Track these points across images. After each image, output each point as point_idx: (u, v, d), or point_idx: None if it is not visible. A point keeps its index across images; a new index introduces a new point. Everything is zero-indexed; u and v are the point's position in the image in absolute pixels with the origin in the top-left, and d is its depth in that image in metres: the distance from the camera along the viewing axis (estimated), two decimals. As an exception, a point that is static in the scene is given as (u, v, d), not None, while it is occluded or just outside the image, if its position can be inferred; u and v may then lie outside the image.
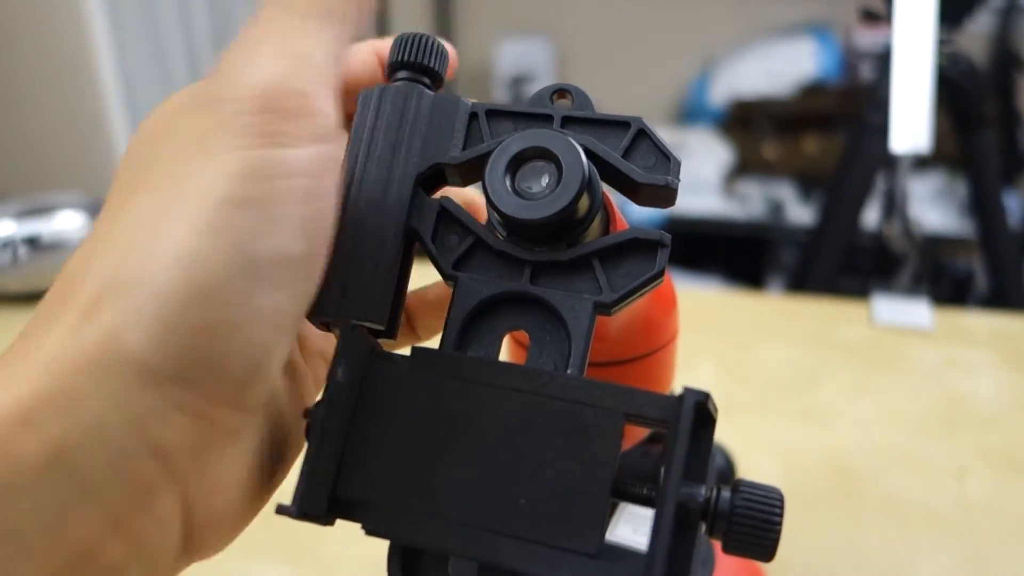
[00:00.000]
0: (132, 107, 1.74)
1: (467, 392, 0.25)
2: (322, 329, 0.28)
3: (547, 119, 0.28)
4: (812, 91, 2.26)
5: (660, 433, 0.45)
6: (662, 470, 0.23)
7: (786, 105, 2.25)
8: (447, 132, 0.29)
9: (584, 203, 0.26)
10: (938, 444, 0.71)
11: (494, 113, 0.29)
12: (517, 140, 0.26)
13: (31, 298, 0.96)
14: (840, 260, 1.35)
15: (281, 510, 0.23)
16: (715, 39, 2.40)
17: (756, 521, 0.23)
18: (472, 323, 0.27)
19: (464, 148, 0.28)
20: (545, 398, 0.24)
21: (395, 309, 0.28)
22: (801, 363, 0.82)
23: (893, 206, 0.98)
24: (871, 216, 1.52)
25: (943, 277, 1.52)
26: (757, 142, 2.20)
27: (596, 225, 0.28)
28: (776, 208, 2.08)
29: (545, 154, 0.26)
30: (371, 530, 0.24)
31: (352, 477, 0.24)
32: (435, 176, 0.29)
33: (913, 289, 0.90)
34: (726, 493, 0.23)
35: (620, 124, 0.28)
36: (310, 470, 0.23)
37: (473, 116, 0.29)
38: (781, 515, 0.23)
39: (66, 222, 1.05)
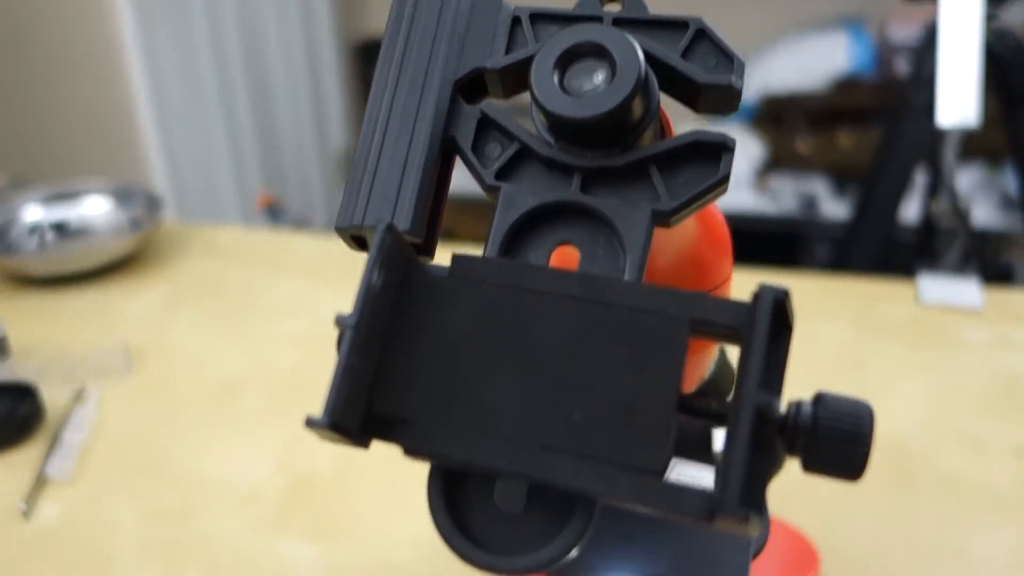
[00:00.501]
0: (158, 95, 1.74)
1: (516, 300, 0.22)
2: (353, 247, 0.26)
3: (596, 21, 0.26)
4: (845, 85, 2.22)
5: (708, 389, 0.42)
6: (736, 383, 0.20)
7: (819, 100, 2.21)
8: (488, 37, 0.26)
9: (639, 105, 0.24)
10: (993, 422, 0.68)
11: (539, 17, 0.27)
12: (567, 35, 0.24)
13: (58, 282, 0.95)
14: (879, 253, 1.31)
15: (311, 422, 0.20)
16: (747, 33, 2.37)
17: (844, 435, 0.20)
18: (516, 238, 0.25)
19: (506, 53, 0.26)
20: (602, 305, 0.22)
21: (432, 223, 0.26)
22: (847, 342, 0.79)
23: (939, 183, 0.95)
24: (910, 210, 1.49)
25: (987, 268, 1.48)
26: (790, 137, 2.16)
27: (650, 135, 0.26)
28: (809, 203, 2.04)
29: (597, 50, 0.24)
30: (410, 449, 0.22)
31: (388, 393, 0.22)
32: (475, 83, 0.26)
33: (961, 268, 0.86)
34: (807, 406, 0.21)
35: (678, 24, 0.26)
36: (341, 380, 0.21)
37: (516, 20, 0.27)
38: (872, 429, 0.21)
39: (93, 208, 1.04)
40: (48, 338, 0.86)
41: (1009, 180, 1.86)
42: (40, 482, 0.65)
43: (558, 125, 0.24)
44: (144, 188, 1.12)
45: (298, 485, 0.65)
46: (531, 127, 0.26)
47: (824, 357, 0.77)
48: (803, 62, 2.31)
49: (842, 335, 0.81)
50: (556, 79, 0.24)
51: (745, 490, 0.19)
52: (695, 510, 0.20)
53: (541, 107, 0.24)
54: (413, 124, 0.25)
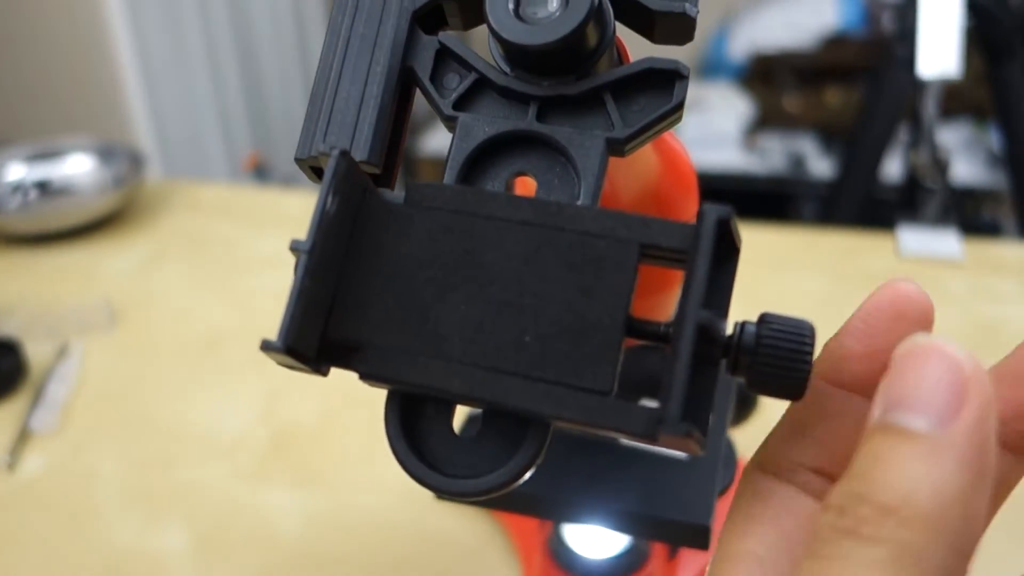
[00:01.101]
0: (143, 52, 1.72)
1: (470, 226, 0.23)
2: (314, 179, 0.26)
3: None
4: (834, 43, 2.21)
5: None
6: (679, 302, 0.21)
7: (808, 58, 2.20)
8: None
9: (593, 32, 0.24)
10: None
11: None
12: None
13: (41, 240, 0.95)
14: (861, 209, 1.31)
15: (266, 346, 0.21)
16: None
17: (785, 352, 0.21)
18: (473, 167, 0.25)
19: None
20: (553, 230, 0.22)
21: (391, 154, 0.26)
22: (827, 294, 0.80)
23: (920, 134, 0.95)
24: (892, 168, 1.49)
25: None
26: (778, 95, 2.15)
27: (606, 64, 0.26)
28: (797, 162, 2.04)
29: None
30: (366, 373, 0.22)
31: (344, 318, 0.23)
32: (434, 13, 0.26)
33: (941, 220, 0.87)
34: (751, 326, 0.21)
35: None
36: (296, 304, 0.21)
37: None
38: (812, 347, 0.21)
39: (76, 166, 1.04)
40: (31, 295, 0.86)
41: (996, 137, 1.86)
42: (24, 435, 0.66)
43: (513, 53, 0.24)
44: (127, 145, 1.11)
45: (280, 435, 0.66)
46: (489, 57, 0.26)
47: (803, 309, 0.77)
48: (792, 19, 2.30)
49: (822, 287, 0.81)
50: (511, 6, 0.24)
51: (686, 407, 0.19)
52: (640, 428, 0.20)
53: (495, 34, 0.24)
54: (371, 54, 0.25)
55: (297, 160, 0.25)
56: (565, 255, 0.22)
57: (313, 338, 0.22)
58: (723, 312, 0.21)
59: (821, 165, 2.02)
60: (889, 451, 0.15)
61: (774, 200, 2.09)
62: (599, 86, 0.25)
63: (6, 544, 0.58)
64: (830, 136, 2.09)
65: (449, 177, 0.25)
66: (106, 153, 1.05)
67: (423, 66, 0.26)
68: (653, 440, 0.20)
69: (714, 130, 2.10)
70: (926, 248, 0.84)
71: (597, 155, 0.24)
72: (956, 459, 0.15)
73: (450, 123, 0.25)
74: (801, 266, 0.85)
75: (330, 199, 0.22)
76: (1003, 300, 0.78)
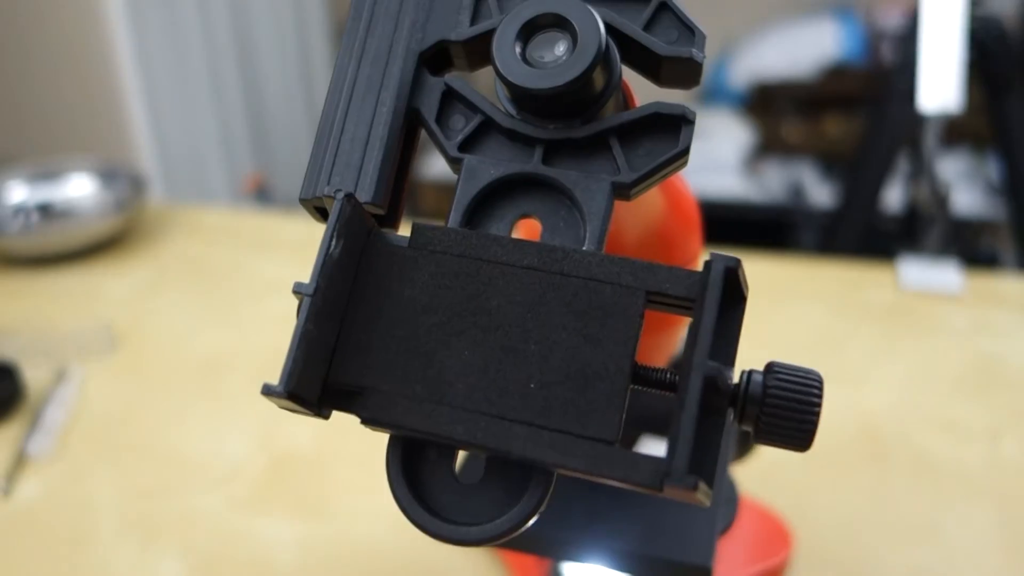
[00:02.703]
0: (146, 74, 1.73)
1: (475, 270, 0.23)
2: (318, 219, 0.26)
3: None
4: (835, 73, 2.22)
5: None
6: (685, 351, 0.21)
7: (808, 87, 2.21)
8: (453, 8, 0.26)
9: (600, 76, 0.24)
10: (970, 406, 0.68)
11: None
12: (530, 6, 0.24)
13: (41, 262, 0.95)
14: (862, 238, 1.31)
15: (268, 390, 0.21)
16: (735, 20, 2.36)
17: (792, 403, 0.21)
18: (479, 209, 0.25)
19: (471, 25, 0.26)
20: (559, 276, 0.22)
21: (395, 195, 0.26)
22: (826, 326, 0.80)
23: (921, 166, 0.95)
24: (892, 197, 1.49)
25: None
26: (778, 123, 2.16)
27: (612, 107, 0.26)
28: (797, 191, 2.04)
29: (559, 21, 0.24)
30: (368, 418, 0.22)
31: (347, 362, 0.22)
32: (440, 55, 0.27)
33: (941, 252, 0.87)
34: (758, 375, 0.21)
35: None
36: (298, 348, 0.21)
37: None
38: (820, 398, 0.21)
39: (77, 189, 1.04)
40: (30, 318, 0.86)
41: (994, 167, 1.86)
42: (20, 460, 0.65)
43: (520, 96, 0.24)
44: (129, 168, 1.11)
45: (278, 464, 0.65)
46: (495, 99, 0.26)
47: (803, 340, 0.77)
48: (792, 49, 2.31)
49: (821, 318, 0.81)
50: (518, 50, 0.24)
51: (693, 459, 0.19)
52: (646, 479, 0.20)
53: (503, 78, 0.24)
54: (377, 95, 0.26)
55: (301, 201, 0.25)
56: (571, 301, 0.22)
57: (316, 382, 0.22)
58: (730, 361, 0.21)
59: (821, 193, 2.03)
60: None
61: (773, 228, 2.10)
62: (605, 130, 0.25)
63: (2, 570, 0.57)
64: (830, 165, 2.09)
65: (454, 219, 0.25)
66: (108, 175, 1.05)
67: (429, 108, 0.26)
68: (659, 492, 0.20)
69: (714, 157, 2.11)
70: (926, 281, 0.84)
71: (603, 199, 0.24)
72: None
73: (455, 164, 0.26)
74: (801, 297, 0.85)
75: (334, 242, 0.22)
76: (1003, 335, 0.78)
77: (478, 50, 0.26)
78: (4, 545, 0.59)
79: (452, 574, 0.56)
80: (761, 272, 0.90)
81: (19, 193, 1.02)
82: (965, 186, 1.94)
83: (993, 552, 0.55)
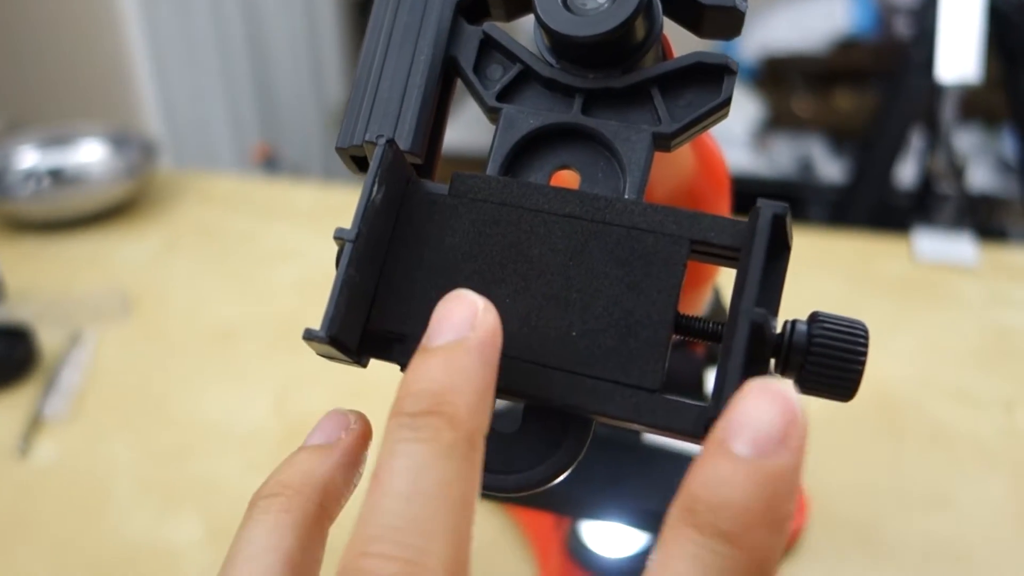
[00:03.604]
0: (154, 41, 1.72)
1: (515, 218, 0.22)
2: (354, 169, 0.26)
3: None
4: (845, 46, 2.20)
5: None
6: (732, 299, 0.21)
7: (818, 61, 2.20)
8: None
9: (642, 25, 0.24)
10: (985, 377, 0.68)
11: None
12: None
13: (53, 227, 0.95)
14: (874, 213, 1.31)
15: (309, 335, 0.20)
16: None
17: (837, 352, 0.20)
18: (516, 160, 0.25)
19: None
20: (601, 224, 0.22)
21: (432, 145, 0.25)
22: (841, 297, 0.80)
23: (937, 140, 0.94)
24: (906, 172, 1.48)
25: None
26: (788, 97, 2.15)
27: (652, 58, 0.25)
28: (806, 166, 2.03)
29: None
30: (406, 364, 0.22)
31: (387, 310, 0.22)
32: (477, 4, 0.26)
33: (956, 225, 0.86)
34: (802, 325, 0.21)
35: None
36: (340, 293, 0.21)
37: None
38: (866, 348, 0.21)
39: (88, 154, 1.04)
40: (44, 283, 0.86)
41: (1007, 144, 1.85)
42: (36, 422, 0.66)
43: (560, 44, 0.24)
44: (140, 134, 1.11)
45: (293, 429, 0.66)
46: (533, 48, 0.26)
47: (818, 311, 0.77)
48: (803, 22, 2.29)
49: (836, 290, 0.81)
50: None
51: None
52: (688, 427, 0.20)
53: (544, 25, 0.24)
54: (414, 44, 0.25)
55: (338, 149, 0.25)
56: (613, 250, 0.22)
57: (356, 329, 0.22)
58: (774, 310, 0.21)
59: (830, 168, 2.02)
60: (714, 467, 0.17)
61: (782, 202, 2.09)
62: (646, 80, 0.24)
63: (19, 531, 0.57)
64: (840, 139, 2.08)
65: (492, 168, 0.25)
66: (119, 141, 1.05)
67: (466, 56, 0.26)
68: (700, 440, 0.20)
69: (723, 131, 2.10)
70: (941, 253, 0.83)
71: (643, 150, 0.24)
72: (762, 484, 0.16)
73: (493, 114, 0.25)
74: (816, 269, 0.85)
75: (375, 188, 0.22)
76: (1018, 306, 0.78)
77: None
78: (22, 507, 0.59)
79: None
80: (775, 243, 0.89)
81: (30, 158, 1.02)
82: (977, 162, 1.93)
83: (1006, 520, 0.56)
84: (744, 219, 0.21)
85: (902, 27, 2.13)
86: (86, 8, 1.63)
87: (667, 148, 0.24)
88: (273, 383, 0.71)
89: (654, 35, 0.25)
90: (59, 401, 0.67)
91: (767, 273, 0.20)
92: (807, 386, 0.21)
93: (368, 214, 0.22)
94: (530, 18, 0.25)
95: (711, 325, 0.22)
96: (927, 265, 0.84)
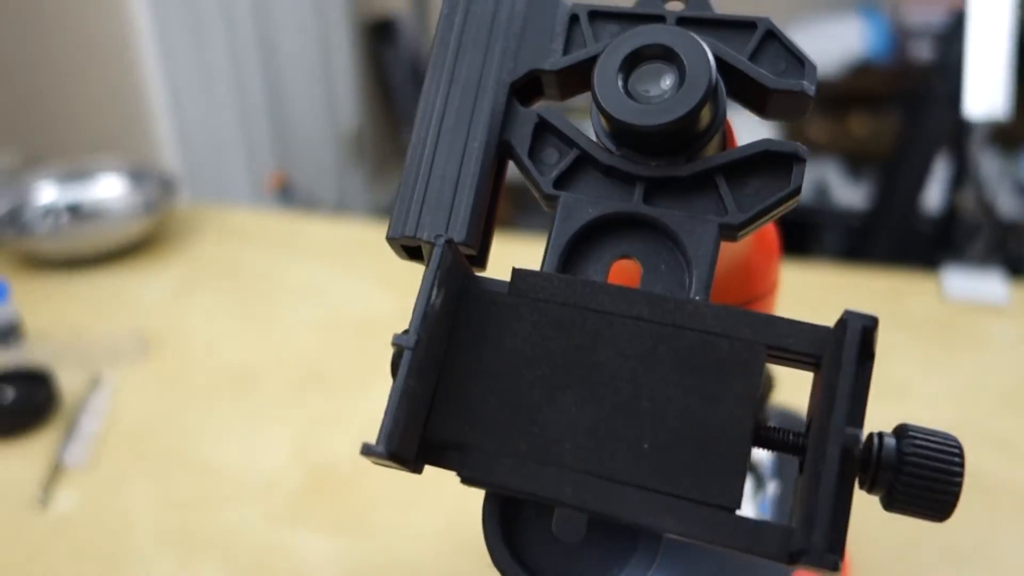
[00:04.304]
0: (170, 74, 1.73)
1: (580, 320, 0.21)
2: (404, 257, 0.25)
3: (659, 20, 0.25)
4: (860, 71, 2.20)
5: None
6: (817, 414, 0.19)
7: (833, 85, 2.19)
8: (545, 36, 0.25)
9: (708, 111, 0.23)
10: (1020, 421, 0.67)
11: (598, 15, 0.25)
12: (633, 36, 0.23)
13: (71, 264, 0.94)
14: (898, 242, 1.29)
15: (367, 450, 0.19)
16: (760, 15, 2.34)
17: (933, 472, 0.19)
18: (575, 250, 0.24)
19: (565, 54, 0.25)
20: (671, 328, 0.21)
21: (485, 233, 0.24)
22: (870, 338, 0.78)
23: (965, 175, 0.93)
24: (930, 198, 1.47)
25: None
26: (803, 122, 2.14)
27: (715, 145, 0.25)
28: (822, 191, 2.02)
29: (665, 53, 0.23)
30: (468, 477, 0.21)
31: (446, 417, 0.21)
32: (531, 85, 0.25)
33: (985, 261, 0.85)
34: (890, 439, 0.20)
35: (745, 25, 0.24)
36: (398, 406, 0.20)
37: (574, 18, 0.25)
38: (962, 466, 0.19)
39: (107, 190, 1.03)
40: (62, 322, 0.85)
41: (1024, 168, 1.84)
42: (56, 470, 0.65)
43: (621, 132, 0.23)
44: (158, 169, 1.11)
45: (315, 476, 0.64)
46: (590, 132, 0.25)
47: (848, 352, 0.75)
48: (817, 46, 2.28)
49: (865, 330, 0.79)
50: (620, 83, 0.23)
51: (831, 535, 0.18)
52: (775, 551, 0.19)
53: (605, 113, 0.23)
54: (468, 128, 0.24)
55: (389, 240, 0.24)
56: (685, 356, 0.21)
57: (414, 439, 0.21)
58: (859, 423, 0.20)
59: (846, 193, 2.01)
60: None
61: (798, 229, 2.08)
62: (712, 168, 0.23)
63: (39, 586, 0.56)
64: (856, 164, 2.07)
65: (551, 260, 0.24)
66: (137, 176, 1.05)
67: (521, 141, 0.25)
68: (788, 565, 0.19)
69: (739, 156, 2.09)
70: (972, 291, 0.82)
71: (710, 242, 0.23)
72: None
73: (550, 202, 0.24)
74: (839, 307, 0.83)
75: (435, 291, 0.21)
76: (1052, 348, 0.76)
77: (572, 79, 0.25)
78: (44, 558, 0.58)
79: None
80: (795, 280, 0.88)
81: (49, 194, 1.02)
82: (996, 187, 1.92)
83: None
84: (823, 325, 0.20)
85: (917, 51, 2.12)
86: (102, 42, 1.63)
87: (734, 239, 0.23)
88: (293, 428, 0.70)
89: (718, 122, 0.24)
90: (79, 448, 0.66)
91: (855, 388, 0.19)
92: (897, 505, 0.20)
93: (427, 319, 0.20)
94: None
95: (791, 436, 0.21)
96: (956, 304, 0.82)
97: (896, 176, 1.24)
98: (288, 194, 1.89)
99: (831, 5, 2.30)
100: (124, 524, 0.61)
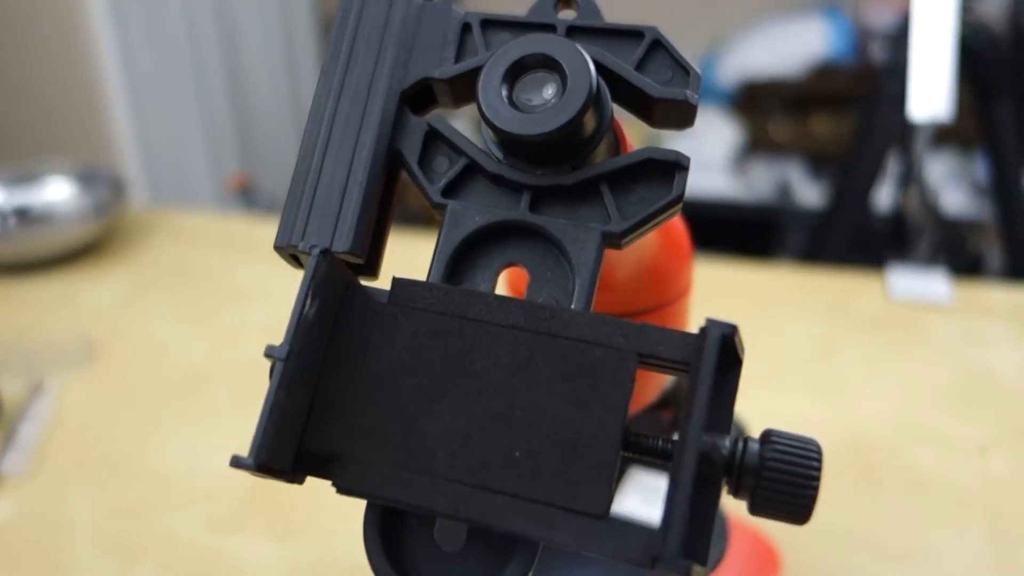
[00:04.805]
0: (129, 73, 1.71)
1: (457, 329, 0.21)
2: (295, 266, 0.25)
3: (549, 29, 0.25)
4: (823, 72, 2.22)
5: (670, 397, 0.42)
6: (680, 421, 0.20)
7: (796, 86, 2.21)
8: (436, 44, 0.25)
9: (591, 119, 0.23)
10: (959, 419, 0.68)
11: (490, 23, 0.25)
12: (516, 46, 0.23)
13: (19, 269, 0.93)
14: (852, 240, 1.31)
15: (236, 462, 0.19)
16: (723, 17, 2.36)
17: (790, 476, 0.20)
18: (462, 258, 0.24)
19: (456, 62, 0.25)
20: (547, 336, 0.21)
21: (376, 241, 0.24)
22: (816, 337, 0.79)
23: (911, 176, 0.94)
24: (883, 197, 1.49)
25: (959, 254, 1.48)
26: (766, 123, 2.16)
27: (603, 150, 0.25)
28: (784, 190, 2.04)
29: (547, 62, 0.23)
30: (344, 487, 0.21)
31: (323, 427, 0.21)
32: (423, 93, 0.25)
33: (930, 260, 0.86)
34: (754, 444, 0.20)
35: (632, 34, 0.25)
36: (271, 417, 0.20)
37: (466, 27, 0.26)
38: (819, 469, 0.20)
39: (56, 192, 1.02)
40: (7, 328, 0.84)
41: (981, 168, 1.86)
42: (-6, 478, 0.64)
43: (507, 141, 0.23)
44: (109, 171, 1.09)
45: (261, 481, 0.64)
46: (480, 140, 0.25)
47: (792, 352, 0.76)
48: (780, 47, 2.30)
49: (810, 329, 0.80)
50: (504, 93, 0.23)
51: (687, 540, 0.18)
52: (637, 556, 0.19)
53: (488, 122, 0.23)
54: (356, 136, 0.24)
55: (276, 248, 0.24)
56: (558, 364, 0.21)
57: (288, 451, 0.21)
58: (725, 428, 0.20)
59: (809, 193, 2.03)
60: None
61: (760, 228, 2.09)
62: (596, 176, 0.24)
63: (-27, 596, 0.56)
64: (818, 164, 2.09)
65: (437, 267, 0.24)
66: (87, 178, 1.03)
67: (411, 149, 0.25)
68: (651, 569, 0.19)
69: (701, 156, 2.10)
70: (915, 291, 0.83)
71: (593, 250, 0.23)
72: None
73: (439, 210, 0.24)
74: (792, 308, 0.84)
75: (309, 302, 0.21)
76: (992, 345, 0.77)
77: (463, 87, 0.25)
78: (-23, 568, 0.58)
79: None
80: (749, 282, 0.89)
81: (-4, 197, 1.00)
82: (952, 186, 1.94)
83: (982, 570, 0.55)
84: (694, 333, 0.20)
85: (878, 52, 2.14)
86: (58, 40, 1.61)
87: (617, 246, 0.24)
88: (241, 433, 0.69)
89: (603, 128, 0.24)
90: (18, 456, 0.66)
91: (717, 392, 0.19)
92: (760, 508, 0.20)
93: (300, 330, 0.21)
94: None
95: (661, 443, 0.21)
96: (901, 303, 0.84)
97: (850, 176, 1.25)
98: (250, 195, 1.88)
99: (794, 6, 2.32)
100: (63, 532, 0.60)
